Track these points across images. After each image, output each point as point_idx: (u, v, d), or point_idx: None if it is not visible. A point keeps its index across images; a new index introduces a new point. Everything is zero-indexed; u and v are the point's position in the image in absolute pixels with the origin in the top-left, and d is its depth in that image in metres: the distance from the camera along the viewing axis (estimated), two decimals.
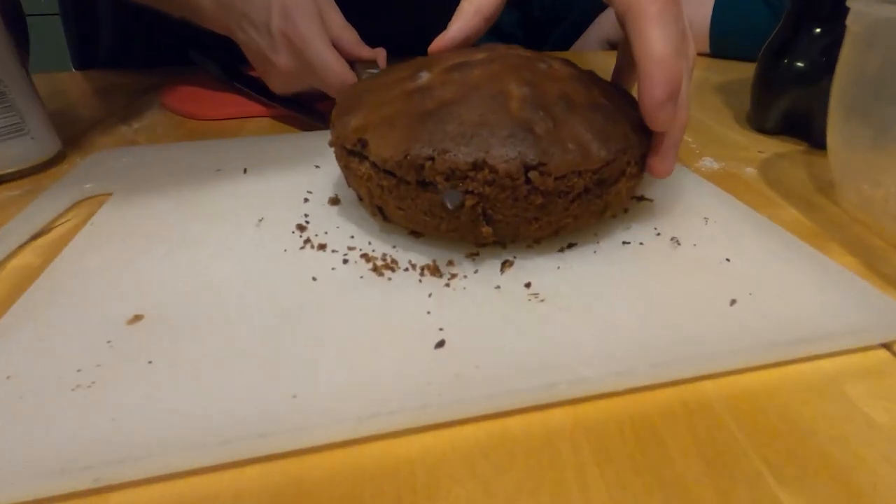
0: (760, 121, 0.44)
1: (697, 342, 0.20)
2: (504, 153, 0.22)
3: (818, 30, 0.39)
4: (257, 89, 0.48)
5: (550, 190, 0.23)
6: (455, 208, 0.22)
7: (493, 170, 0.22)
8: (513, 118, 0.23)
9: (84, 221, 0.30)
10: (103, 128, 0.46)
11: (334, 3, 0.41)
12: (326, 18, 0.40)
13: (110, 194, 0.33)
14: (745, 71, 0.47)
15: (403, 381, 0.18)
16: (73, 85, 0.60)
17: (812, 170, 0.38)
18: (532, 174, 0.22)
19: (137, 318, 0.22)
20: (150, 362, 0.19)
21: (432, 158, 0.23)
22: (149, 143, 0.42)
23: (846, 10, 0.29)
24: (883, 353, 0.21)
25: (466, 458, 0.17)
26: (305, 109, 0.45)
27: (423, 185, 0.23)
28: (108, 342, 0.20)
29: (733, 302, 0.22)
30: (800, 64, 0.40)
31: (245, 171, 0.35)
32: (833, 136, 0.31)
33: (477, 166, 0.22)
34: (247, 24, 0.41)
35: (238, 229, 0.28)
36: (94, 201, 0.33)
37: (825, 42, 0.38)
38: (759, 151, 0.41)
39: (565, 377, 0.19)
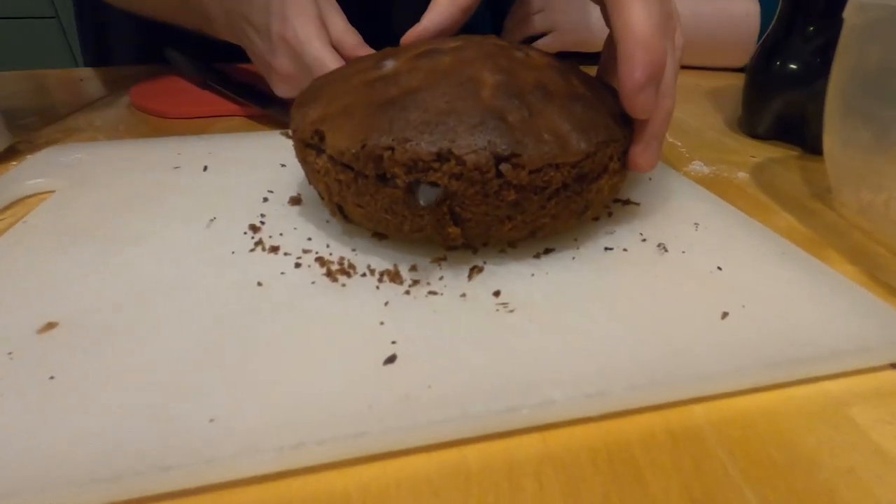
0: (752, 125, 0.42)
1: (684, 360, 0.18)
2: (472, 142, 0.19)
3: (811, 28, 0.37)
4: (233, 88, 0.46)
5: (524, 185, 0.20)
6: (428, 205, 0.20)
7: (459, 161, 0.19)
8: (483, 106, 0.21)
9: (21, 219, 0.27)
10: (62, 124, 0.43)
11: (337, 6, 0.40)
12: (328, 21, 0.39)
13: (54, 191, 0.30)
14: (736, 77, 0.45)
15: (341, 404, 0.16)
16: (42, 82, 0.57)
17: (807, 175, 0.35)
18: (504, 167, 0.20)
19: (50, 325, 0.19)
20: (51, 378, 0.17)
21: (392, 149, 0.20)
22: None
23: (843, 3, 0.27)
24: (892, 374, 0.19)
25: (414, 494, 0.15)
26: (281, 108, 0.43)
27: (383, 179, 0.21)
28: (9, 354, 0.18)
29: (725, 315, 0.20)
30: (792, 65, 0.38)
31: (205, 168, 0.33)
32: (830, 139, 0.29)
33: (442, 157, 0.20)
34: (249, 29, 0.40)
35: (185, 229, 0.26)
36: (37, 199, 0.30)
37: (819, 42, 0.36)
38: (752, 156, 0.39)
39: (529, 401, 0.16)
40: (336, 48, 0.38)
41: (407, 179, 0.20)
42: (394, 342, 0.19)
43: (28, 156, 0.36)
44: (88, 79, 0.58)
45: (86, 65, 0.69)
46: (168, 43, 0.55)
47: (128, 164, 0.33)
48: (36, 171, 0.32)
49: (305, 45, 0.37)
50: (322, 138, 0.22)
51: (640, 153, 0.23)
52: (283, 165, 0.34)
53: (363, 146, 0.20)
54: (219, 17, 0.42)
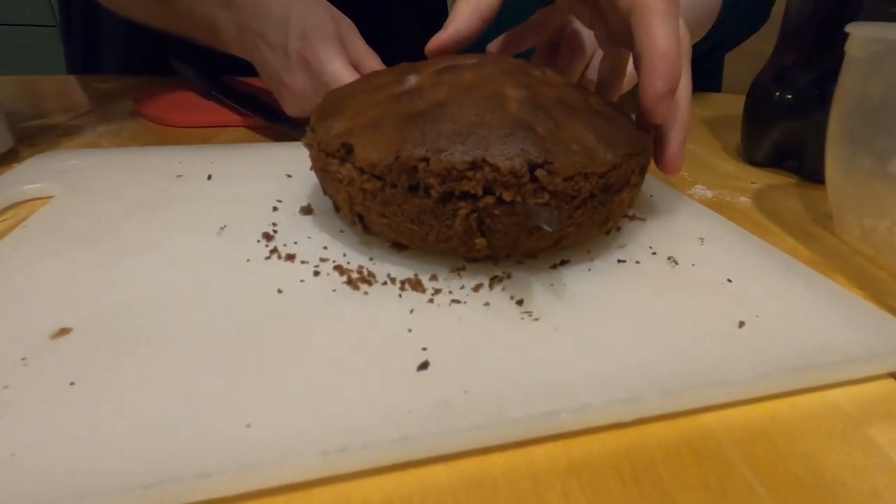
0: (751, 153, 0.43)
1: (710, 366, 0.18)
2: (505, 150, 0.20)
3: (809, 60, 0.38)
4: (236, 99, 0.46)
5: (559, 191, 0.20)
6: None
7: (494, 168, 0.20)
8: (512, 118, 0.21)
9: (19, 224, 0.26)
10: (66, 130, 0.43)
11: (355, 29, 0.41)
12: (347, 42, 0.39)
13: (51, 197, 0.29)
14: (735, 106, 0.47)
15: (380, 409, 0.16)
16: (47, 87, 0.56)
17: (807, 202, 0.36)
18: (539, 172, 0.20)
19: (64, 331, 0.18)
20: (71, 384, 0.16)
21: (426, 159, 0.20)
22: (113, 147, 0.39)
23: (845, 36, 0.28)
24: None
25: None
26: (280, 120, 0.43)
27: (414, 189, 0.21)
28: (23, 359, 0.17)
29: (742, 324, 0.21)
30: (790, 96, 0.39)
31: (209, 177, 0.32)
32: (832, 166, 0.30)
33: (476, 165, 0.20)
34: (262, 45, 0.40)
35: (196, 237, 0.25)
36: (36, 204, 0.29)
37: (816, 73, 0.37)
38: (752, 182, 0.39)
39: (567, 404, 0.16)
40: (355, 69, 0.38)
41: (441, 189, 0.20)
42: (424, 349, 0.18)
43: (27, 160, 0.35)
44: (90, 86, 0.57)
45: (69, 74, 0.68)
46: (162, 53, 0.55)
47: (128, 172, 0.32)
48: (34, 175, 0.31)
49: (326, 65, 0.37)
50: (350, 151, 0.22)
51: (671, 154, 0.26)
52: (289, 176, 0.33)
53: (397, 157, 0.21)
54: (229, 30, 0.42)
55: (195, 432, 0.14)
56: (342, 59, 0.37)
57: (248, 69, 0.45)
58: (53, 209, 0.27)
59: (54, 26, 0.62)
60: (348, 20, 0.41)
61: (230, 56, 0.46)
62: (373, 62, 0.39)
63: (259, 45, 0.40)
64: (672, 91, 0.23)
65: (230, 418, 0.15)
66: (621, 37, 0.27)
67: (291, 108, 0.43)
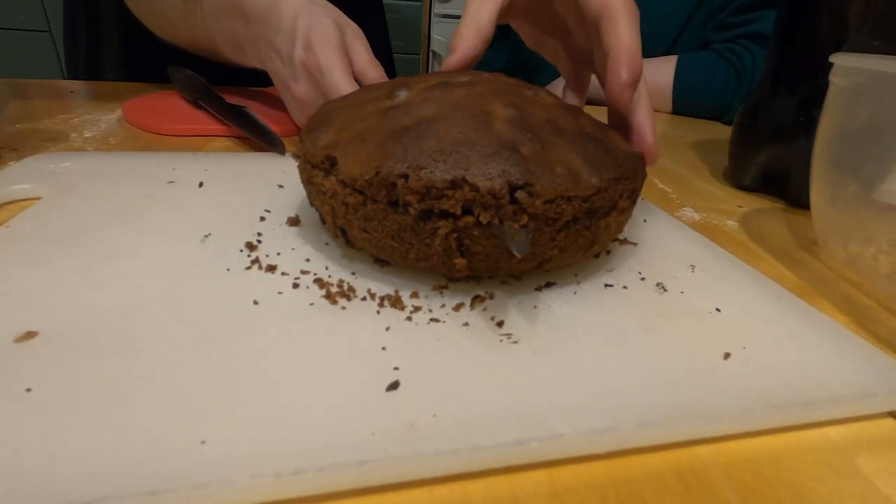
0: (738, 177, 0.44)
1: (691, 399, 0.18)
2: (486, 170, 0.20)
3: (795, 88, 0.39)
4: (221, 110, 0.46)
5: (539, 213, 0.20)
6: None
7: (473, 187, 0.19)
8: (497, 137, 0.21)
9: (2, 225, 0.26)
10: (53, 134, 0.42)
11: (363, 39, 0.41)
12: (351, 52, 0.40)
13: (39, 198, 0.29)
14: (723, 130, 0.47)
15: (342, 431, 0.15)
16: (37, 91, 0.56)
17: (793, 227, 0.37)
18: (519, 194, 0.20)
19: (30, 335, 0.18)
20: (27, 390, 0.16)
21: (406, 176, 0.20)
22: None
23: (829, 66, 0.28)
24: (893, 424, 0.19)
25: None
26: (263, 134, 0.42)
27: (394, 205, 0.21)
28: None
29: (727, 356, 0.20)
30: (777, 122, 0.39)
31: (201, 185, 0.32)
32: (817, 193, 0.30)
33: (455, 184, 0.20)
34: (274, 55, 0.41)
35: (178, 244, 0.25)
36: (20, 206, 0.29)
37: (802, 100, 0.38)
38: (739, 206, 0.40)
39: (539, 433, 0.16)
40: (357, 79, 0.39)
41: (419, 207, 0.20)
42: (396, 368, 0.18)
43: (12, 162, 0.35)
44: (79, 91, 0.57)
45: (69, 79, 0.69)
46: (160, 64, 0.56)
47: (119, 176, 0.32)
48: (21, 176, 0.31)
49: (326, 74, 0.37)
50: (334, 163, 0.22)
51: (647, 146, 0.29)
52: (280, 186, 0.33)
53: (377, 173, 0.20)
54: (248, 43, 0.44)
55: (147, 447, 0.14)
56: (342, 68, 0.37)
57: (249, 80, 0.45)
58: (38, 211, 0.27)
59: (48, 31, 0.64)
60: (355, 27, 0.41)
61: (230, 67, 0.46)
62: (374, 73, 0.39)
63: (271, 55, 0.42)
64: (635, 81, 0.26)
65: (185, 434, 0.14)
66: (584, 55, 0.32)
67: (297, 116, 0.43)
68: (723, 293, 0.25)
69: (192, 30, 0.50)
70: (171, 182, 0.32)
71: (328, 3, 0.41)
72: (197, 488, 0.13)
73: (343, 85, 0.37)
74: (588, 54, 0.32)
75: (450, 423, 0.16)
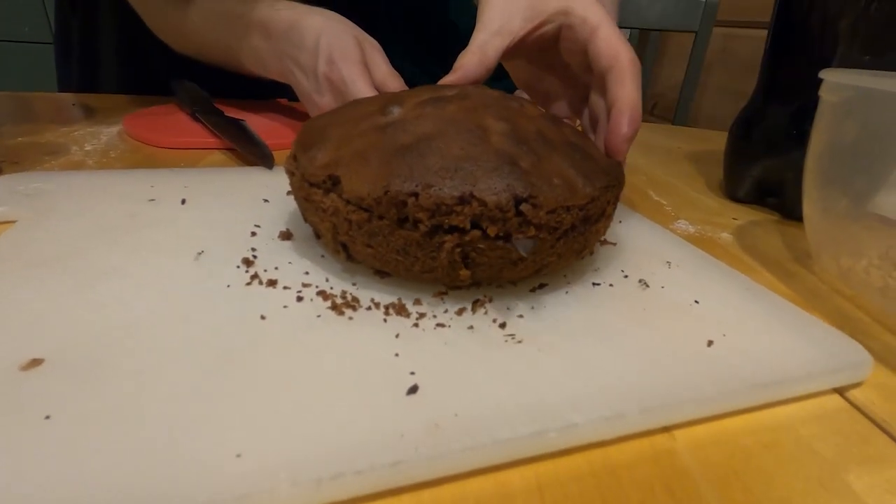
0: (733, 189, 0.43)
1: (684, 383, 0.19)
2: (492, 185, 0.21)
3: (787, 101, 0.38)
4: (218, 124, 0.46)
5: (542, 224, 0.21)
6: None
7: (481, 202, 0.21)
8: (496, 152, 0.22)
9: None
10: (53, 147, 0.42)
11: (381, 51, 0.44)
12: (371, 64, 0.43)
13: (15, 221, 0.28)
14: (718, 142, 0.48)
15: (372, 434, 0.16)
16: (41, 104, 0.55)
17: (787, 239, 0.36)
18: (524, 207, 0.21)
19: (36, 362, 0.18)
20: (47, 417, 0.15)
21: (416, 194, 0.21)
22: (98, 167, 0.39)
23: (819, 81, 0.28)
24: (884, 440, 0.19)
25: None
26: (250, 146, 0.42)
27: (401, 222, 0.22)
28: None
29: (710, 343, 0.22)
30: (770, 135, 0.39)
31: (183, 202, 0.32)
32: (809, 206, 0.30)
33: (464, 200, 0.21)
34: (297, 70, 0.44)
35: (172, 262, 0.25)
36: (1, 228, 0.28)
37: (795, 114, 0.38)
38: (734, 218, 0.40)
39: (555, 424, 0.17)
40: (378, 90, 0.41)
41: (430, 224, 0.21)
42: (412, 373, 0.19)
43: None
44: (80, 104, 0.56)
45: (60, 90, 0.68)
46: (157, 76, 0.55)
47: (98, 196, 0.31)
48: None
49: (350, 86, 0.40)
50: (336, 182, 0.23)
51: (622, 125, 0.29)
52: (266, 201, 0.33)
53: (386, 192, 0.21)
54: (271, 59, 0.47)
55: (182, 465, 0.14)
56: (364, 80, 0.40)
57: (256, 90, 0.46)
58: (16, 234, 0.26)
59: (52, 43, 0.63)
60: (373, 41, 0.44)
61: (236, 79, 0.49)
62: (393, 83, 0.42)
63: (294, 70, 0.45)
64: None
65: (219, 448, 0.15)
66: (584, 90, 0.34)
67: None
68: (698, 287, 0.27)
69: (212, 44, 0.52)
70: (153, 200, 0.32)
71: (346, 19, 0.44)
72: (241, 499, 0.13)
73: (367, 95, 0.39)
74: (585, 89, 0.34)
75: (471, 420, 0.17)
